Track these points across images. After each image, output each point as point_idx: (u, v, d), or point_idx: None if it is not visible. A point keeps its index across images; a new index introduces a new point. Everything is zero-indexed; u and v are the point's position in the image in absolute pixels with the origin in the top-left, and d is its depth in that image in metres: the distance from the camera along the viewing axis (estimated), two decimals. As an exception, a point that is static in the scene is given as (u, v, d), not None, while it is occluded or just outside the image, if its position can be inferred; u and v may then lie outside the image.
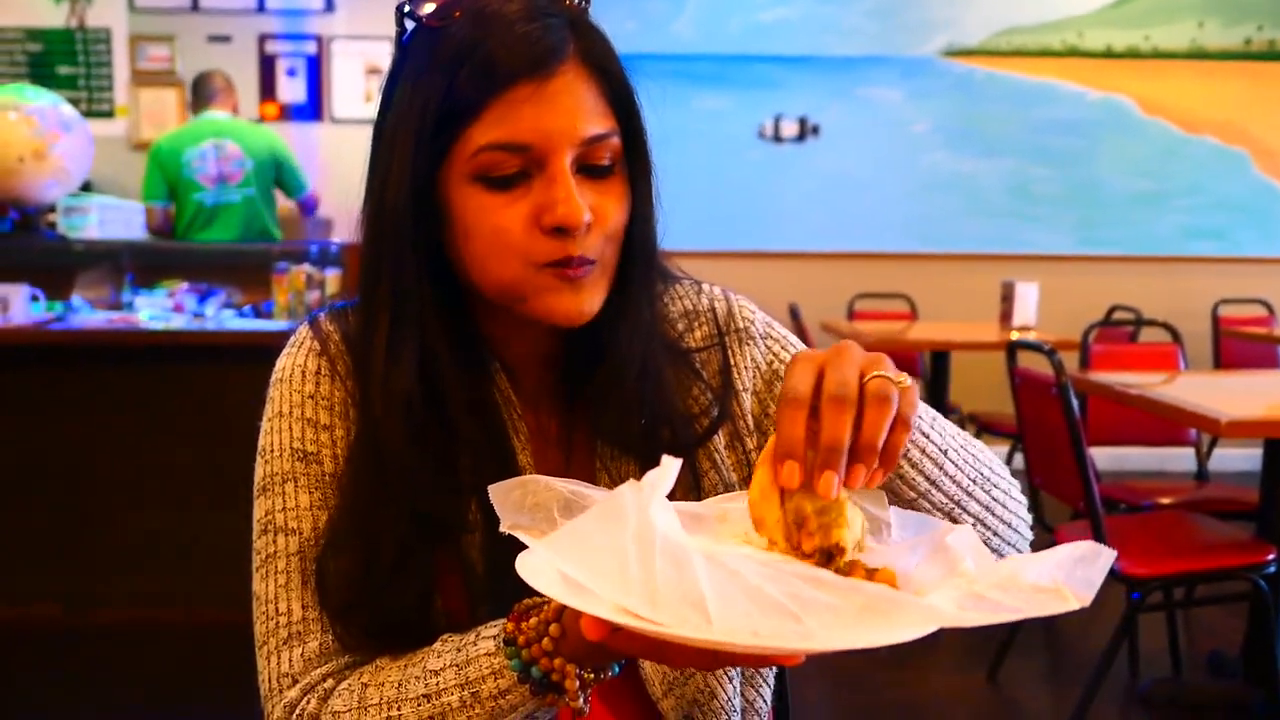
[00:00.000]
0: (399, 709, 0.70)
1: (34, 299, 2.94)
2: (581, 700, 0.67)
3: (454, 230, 0.74)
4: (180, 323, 2.96)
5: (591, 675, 0.67)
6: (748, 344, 0.87)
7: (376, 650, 0.74)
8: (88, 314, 3.03)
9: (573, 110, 0.71)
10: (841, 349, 0.61)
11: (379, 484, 0.75)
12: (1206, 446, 3.53)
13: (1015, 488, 0.82)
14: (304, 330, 0.82)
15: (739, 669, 0.83)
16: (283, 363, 0.81)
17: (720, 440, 0.85)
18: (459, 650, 0.71)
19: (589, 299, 0.74)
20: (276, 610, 0.76)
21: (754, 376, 0.87)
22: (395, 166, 0.73)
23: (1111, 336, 3.85)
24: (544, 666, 0.66)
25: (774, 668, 0.86)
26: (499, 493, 0.63)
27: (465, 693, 0.68)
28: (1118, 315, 4.45)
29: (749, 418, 0.86)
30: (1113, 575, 2.24)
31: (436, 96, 0.71)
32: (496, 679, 0.67)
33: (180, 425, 2.85)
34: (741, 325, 0.88)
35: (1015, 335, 3.34)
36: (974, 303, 4.78)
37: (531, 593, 0.58)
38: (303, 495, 0.77)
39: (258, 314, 3.15)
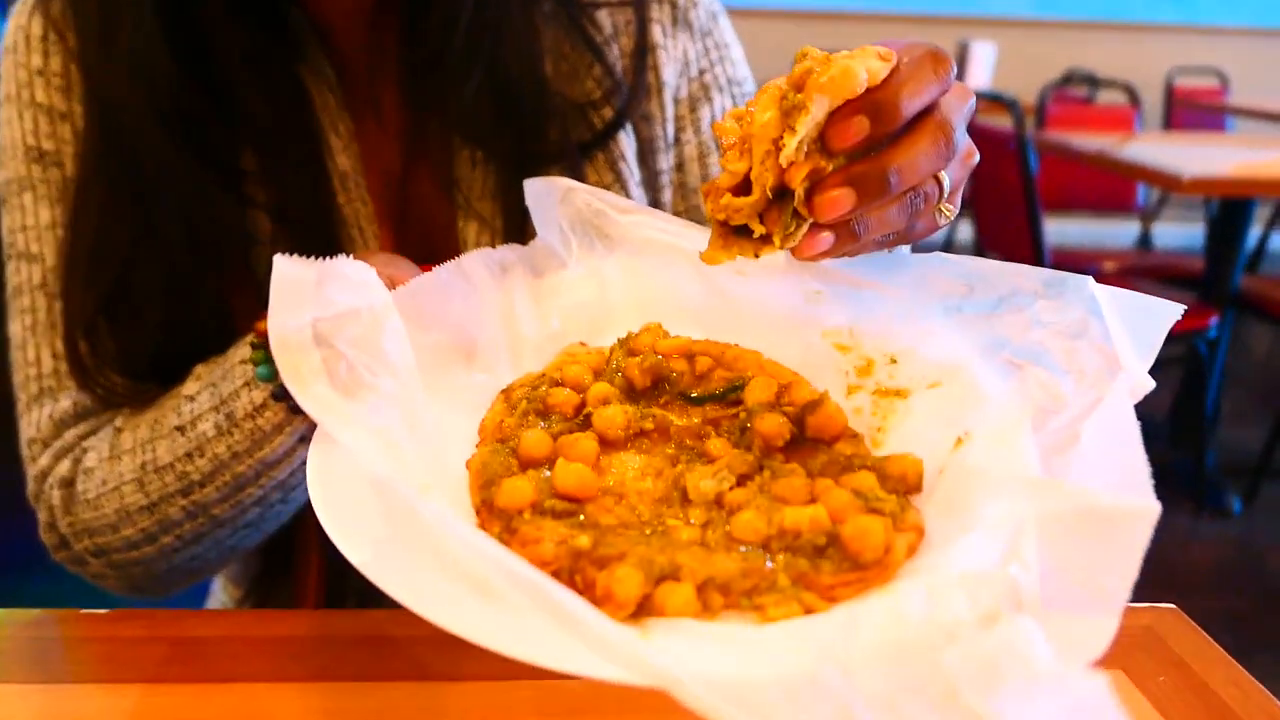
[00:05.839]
0: (153, 450, 0.55)
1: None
2: None
3: None
4: None
5: None
6: (681, 31, 0.64)
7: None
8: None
9: None
10: (940, 63, 0.48)
11: (124, 190, 0.56)
12: (1154, 208, 3.50)
13: None
14: None
15: None
16: (8, 25, 0.61)
17: (627, 147, 0.63)
18: (216, 366, 0.55)
19: None
20: (25, 359, 0.60)
21: (679, 76, 0.64)
22: None
23: (1067, 99, 3.71)
24: None
25: None
26: (535, 191, 0.51)
27: (220, 415, 0.52)
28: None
29: (669, 125, 0.64)
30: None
31: None
32: (250, 391, 0.52)
33: None
34: (680, 3, 0.64)
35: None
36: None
37: None
38: (43, 210, 0.59)
39: None
